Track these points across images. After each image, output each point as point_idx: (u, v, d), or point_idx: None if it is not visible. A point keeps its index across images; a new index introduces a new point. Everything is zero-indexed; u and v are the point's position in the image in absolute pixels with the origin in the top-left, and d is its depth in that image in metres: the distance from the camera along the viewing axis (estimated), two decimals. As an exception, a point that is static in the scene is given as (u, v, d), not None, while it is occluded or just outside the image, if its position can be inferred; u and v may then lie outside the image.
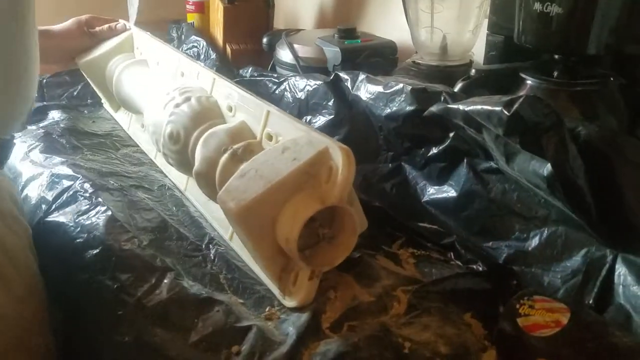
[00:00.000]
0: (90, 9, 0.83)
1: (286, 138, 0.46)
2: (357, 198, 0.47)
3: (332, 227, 0.42)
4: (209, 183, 0.51)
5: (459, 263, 0.50)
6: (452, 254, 0.51)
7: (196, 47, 0.99)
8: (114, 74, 0.74)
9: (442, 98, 0.54)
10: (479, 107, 0.45)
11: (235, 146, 0.48)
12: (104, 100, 0.84)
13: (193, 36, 1.01)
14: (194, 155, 0.53)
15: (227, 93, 0.56)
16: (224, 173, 0.48)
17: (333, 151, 0.40)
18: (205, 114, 0.56)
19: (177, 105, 0.57)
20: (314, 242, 0.43)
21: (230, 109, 0.55)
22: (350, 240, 0.41)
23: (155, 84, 0.67)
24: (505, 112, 0.41)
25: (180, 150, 0.57)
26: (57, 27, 0.77)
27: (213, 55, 0.94)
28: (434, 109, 0.52)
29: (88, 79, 0.81)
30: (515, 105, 0.41)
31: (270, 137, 0.49)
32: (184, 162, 0.57)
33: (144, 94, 0.68)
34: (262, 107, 0.50)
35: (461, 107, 0.48)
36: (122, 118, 0.80)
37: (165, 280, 0.44)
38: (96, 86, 0.81)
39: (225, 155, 0.48)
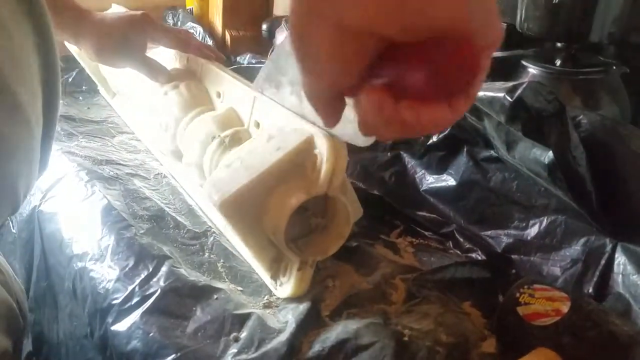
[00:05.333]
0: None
1: (273, 125, 0.44)
2: (352, 187, 0.46)
3: (326, 217, 0.41)
4: (199, 172, 0.51)
5: (458, 252, 0.49)
6: (450, 242, 0.51)
7: (193, 33, 0.97)
8: None
9: (443, 85, 0.53)
10: (481, 93, 0.45)
11: (222, 134, 0.47)
12: (99, 86, 0.83)
13: (190, 22, 1.00)
14: (183, 144, 0.53)
15: (215, 79, 0.55)
16: (212, 162, 0.47)
17: (318, 140, 0.38)
18: (194, 101, 0.55)
19: (166, 93, 0.56)
20: (308, 232, 0.42)
21: (218, 95, 0.54)
22: (343, 230, 0.40)
23: None
24: (508, 98, 0.41)
25: (171, 138, 0.56)
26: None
27: (210, 42, 0.92)
28: (434, 96, 0.52)
29: (82, 65, 0.80)
30: (519, 91, 0.41)
31: (257, 125, 0.47)
32: (175, 151, 0.57)
33: (136, 80, 0.67)
34: (249, 93, 0.48)
35: (462, 94, 0.47)
36: (118, 104, 0.79)
37: (163, 268, 0.43)
38: (91, 72, 0.80)
39: (213, 144, 0.48)
